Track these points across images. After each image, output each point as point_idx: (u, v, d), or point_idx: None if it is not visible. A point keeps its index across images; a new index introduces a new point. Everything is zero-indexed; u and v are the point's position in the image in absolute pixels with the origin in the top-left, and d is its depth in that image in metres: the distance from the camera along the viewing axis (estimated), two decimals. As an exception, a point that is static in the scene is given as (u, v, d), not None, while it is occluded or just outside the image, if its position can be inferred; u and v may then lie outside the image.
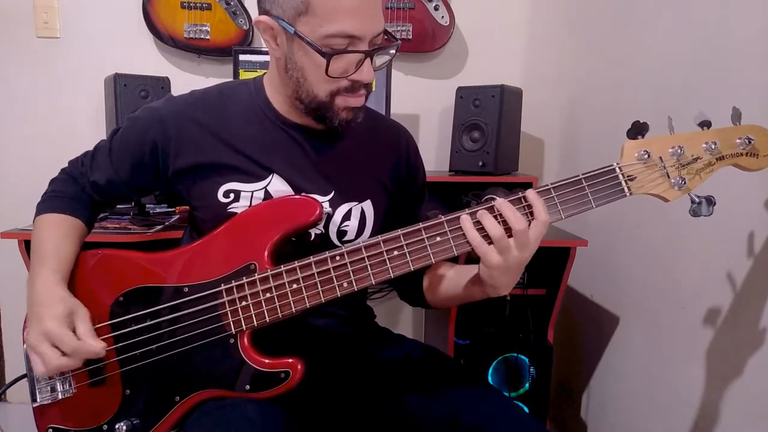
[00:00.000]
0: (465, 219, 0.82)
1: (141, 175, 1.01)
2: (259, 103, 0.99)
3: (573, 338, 1.87)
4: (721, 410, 1.15)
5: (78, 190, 1.03)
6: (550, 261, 1.64)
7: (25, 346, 0.96)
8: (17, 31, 2.00)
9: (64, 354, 0.85)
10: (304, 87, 0.91)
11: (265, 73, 1.01)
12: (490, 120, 1.80)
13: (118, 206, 1.66)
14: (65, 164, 1.08)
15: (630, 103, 1.54)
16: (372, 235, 1.02)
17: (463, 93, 1.88)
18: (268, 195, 0.96)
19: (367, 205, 1.02)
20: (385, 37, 0.91)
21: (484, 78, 1.94)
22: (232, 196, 0.96)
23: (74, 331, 0.87)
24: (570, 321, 1.87)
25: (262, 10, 0.90)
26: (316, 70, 0.87)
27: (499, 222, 0.81)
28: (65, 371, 0.91)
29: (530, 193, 0.82)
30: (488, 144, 1.81)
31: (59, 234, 0.96)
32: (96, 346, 0.86)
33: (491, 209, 0.82)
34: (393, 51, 0.92)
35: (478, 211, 0.83)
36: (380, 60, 0.91)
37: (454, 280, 0.98)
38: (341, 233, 1.00)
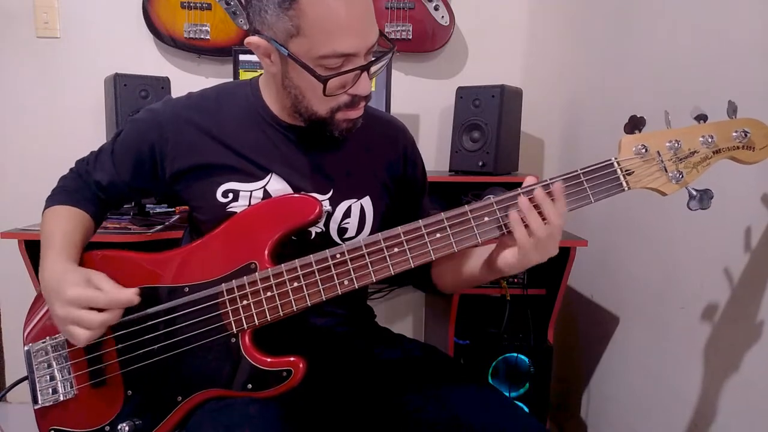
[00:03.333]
0: (514, 216, 0.82)
1: (141, 177, 1.02)
2: (256, 106, 0.99)
3: (573, 338, 1.87)
4: (720, 409, 1.15)
5: (85, 187, 1.05)
6: (550, 261, 1.62)
7: (25, 347, 0.96)
8: (17, 31, 2.00)
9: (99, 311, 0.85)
10: (303, 103, 0.91)
11: (261, 74, 1.01)
12: (490, 120, 1.81)
13: (119, 206, 1.66)
14: (65, 164, 1.10)
15: (630, 102, 1.53)
16: (372, 231, 1.03)
17: (463, 93, 1.88)
18: (267, 194, 0.96)
19: (366, 202, 1.02)
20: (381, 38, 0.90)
21: (484, 78, 1.94)
22: (231, 195, 0.96)
23: None
24: (570, 321, 1.87)
25: (253, 30, 0.89)
26: (314, 89, 0.87)
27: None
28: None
29: (557, 187, 0.83)
30: (488, 144, 1.81)
31: (68, 223, 0.98)
32: (128, 292, 0.86)
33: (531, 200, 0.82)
34: (389, 56, 0.91)
35: (518, 201, 0.83)
36: (375, 67, 0.90)
37: (466, 265, 0.98)
38: (342, 230, 1.00)
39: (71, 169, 1.09)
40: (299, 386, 0.88)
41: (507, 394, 1.56)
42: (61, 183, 1.07)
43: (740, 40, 1.11)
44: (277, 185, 0.97)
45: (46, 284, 0.89)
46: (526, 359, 1.63)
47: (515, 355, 1.63)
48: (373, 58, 0.88)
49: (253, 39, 0.88)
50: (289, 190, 0.97)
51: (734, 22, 1.13)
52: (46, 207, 1.03)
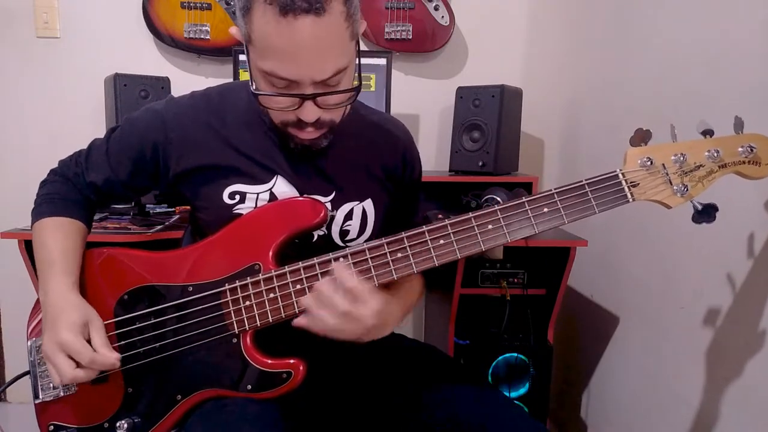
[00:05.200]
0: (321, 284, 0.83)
1: (140, 176, 1.01)
2: (257, 107, 0.99)
3: (573, 338, 1.87)
4: (720, 410, 1.15)
5: (73, 191, 1.02)
6: (550, 261, 1.64)
7: (29, 342, 0.96)
8: (17, 31, 2.00)
9: (79, 365, 0.84)
10: (262, 107, 0.90)
11: None
12: (490, 120, 1.81)
13: (118, 206, 1.66)
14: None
15: (630, 102, 1.54)
16: (374, 233, 1.03)
17: (463, 93, 1.88)
18: (273, 197, 0.96)
19: (368, 204, 1.02)
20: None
21: (484, 78, 1.94)
22: (237, 197, 0.96)
23: (89, 341, 0.86)
24: (570, 321, 1.87)
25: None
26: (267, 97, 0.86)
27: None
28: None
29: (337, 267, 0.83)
30: (488, 144, 1.81)
31: (62, 237, 0.96)
32: (111, 358, 0.85)
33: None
34: (351, 96, 0.87)
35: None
36: (336, 99, 0.85)
37: None
38: (344, 233, 1.00)
39: (54, 172, 1.04)
40: (299, 387, 0.88)
41: (507, 394, 1.56)
42: (45, 190, 1.02)
43: (740, 40, 1.11)
44: (283, 188, 0.97)
45: (47, 310, 0.88)
46: (526, 359, 1.63)
47: (515, 355, 1.63)
48: (330, 90, 0.83)
49: (233, 30, 0.87)
50: (295, 192, 0.97)
51: (734, 22, 1.13)
52: (35, 218, 0.99)
